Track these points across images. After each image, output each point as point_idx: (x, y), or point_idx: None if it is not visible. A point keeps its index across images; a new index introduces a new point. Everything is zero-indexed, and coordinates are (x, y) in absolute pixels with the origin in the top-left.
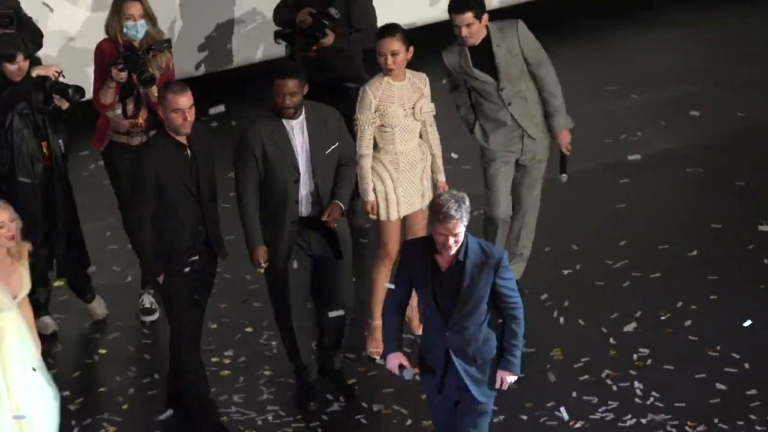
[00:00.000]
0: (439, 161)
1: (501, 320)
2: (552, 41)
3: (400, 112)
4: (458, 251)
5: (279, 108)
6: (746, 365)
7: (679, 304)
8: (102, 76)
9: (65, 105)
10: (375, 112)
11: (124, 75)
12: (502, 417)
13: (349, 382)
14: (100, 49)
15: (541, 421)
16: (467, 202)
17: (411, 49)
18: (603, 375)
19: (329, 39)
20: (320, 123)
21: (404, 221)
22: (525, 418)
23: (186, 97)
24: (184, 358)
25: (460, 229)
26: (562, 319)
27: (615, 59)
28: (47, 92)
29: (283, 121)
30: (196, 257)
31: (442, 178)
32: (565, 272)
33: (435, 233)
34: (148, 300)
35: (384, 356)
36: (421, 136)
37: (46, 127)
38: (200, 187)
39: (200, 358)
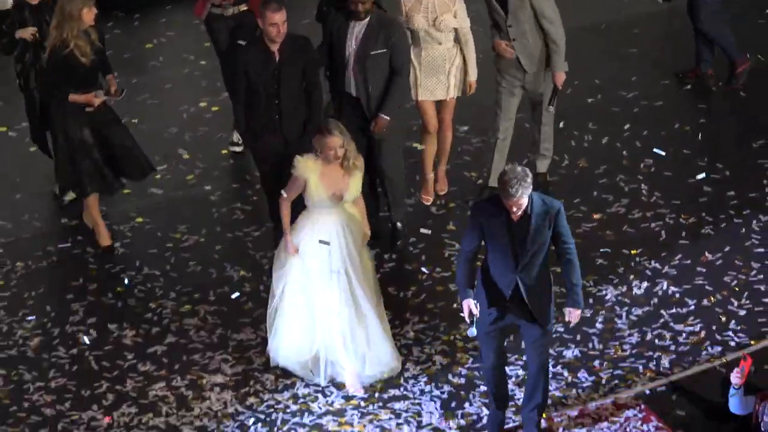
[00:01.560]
0: (471, 65)
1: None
2: None
3: (422, 22)
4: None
5: (351, 11)
6: (727, 173)
7: (676, 125)
8: None
9: None
10: (405, 17)
11: None
12: None
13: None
14: None
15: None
16: (529, 179)
17: None
18: (617, 179)
19: None
20: (379, 30)
21: (437, 106)
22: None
23: (280, 14)
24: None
25: (523, 200)
26: (588, 137)
27: None
28: None
29: (352, 21)
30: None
31: (470, 78)
32: (589, 100)
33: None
34: (236, 136)
35: (460, 301)
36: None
37: None
38: (280, 88)
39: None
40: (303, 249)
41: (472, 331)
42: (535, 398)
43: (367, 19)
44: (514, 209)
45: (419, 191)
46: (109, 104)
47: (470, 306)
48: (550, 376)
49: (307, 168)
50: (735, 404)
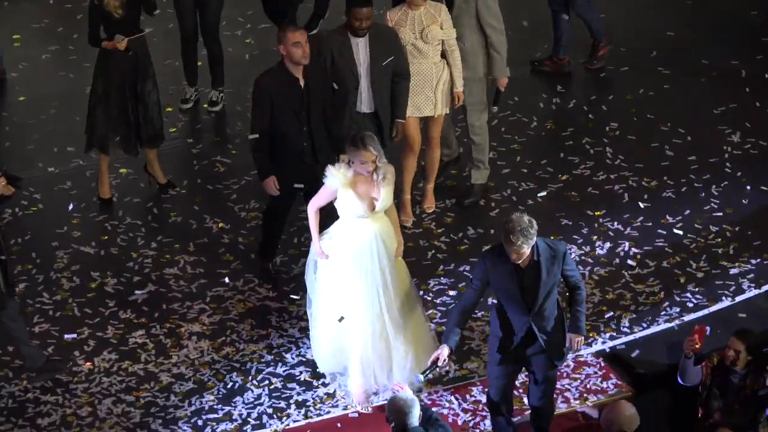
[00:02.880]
0: (457, 75)
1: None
2: None
3: (409, 35)
4: (532, 253)
5: (354, 29)
6: (689, 138)
7: (641, 90)
8: None
9: None
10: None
11: None
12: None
13: None
14: None
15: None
16: (533, 230)
17: None
18: (583, 141)
19: None
20: (381, 40)
21: (425, 123)
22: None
23: (301, 33)
24: (267, 226)
25: (524, 250)
26: (556, 99)
27: None
28: None
29: (351, 37)
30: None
31: (456, 89)
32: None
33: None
34: (188, 93)
35: (441, 342)
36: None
37: None
38: (310, 113)
39: (280, 232)
40: (335, 257)
41: (419, 378)
42: (540, 422)
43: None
44: (514, 257)
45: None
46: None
47: (441, 355)
48: None
49: (340, 179)
50: (684, 374)
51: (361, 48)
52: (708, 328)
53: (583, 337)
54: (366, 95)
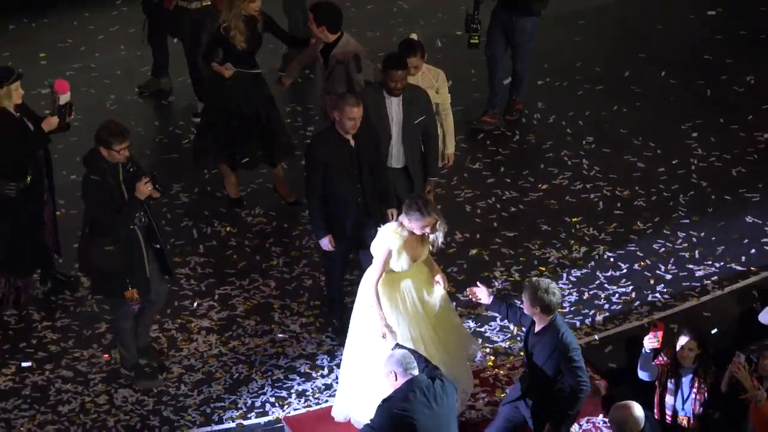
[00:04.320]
0: (449, 139)
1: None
2: None
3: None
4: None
5: (390, 89)
6: (658, 151)
7: (615, 107)
8: None
9: None
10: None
11: None
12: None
13: None
14: None
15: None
16: (551, 291)
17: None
18: (562, 154)
19: None
20: (414, 101)
21: None
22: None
23: (359, 109)
24: (332, 283)
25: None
26: (536, 115)
27: None
28: None
29: (386, 96)
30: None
31: (448, 151)
32: (539, 83)
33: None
34: (200, 106)
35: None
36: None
37: None
38: (361, 170)
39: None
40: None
41: None
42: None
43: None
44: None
45: None
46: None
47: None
48: (497, 330)
49: (394, 238)
50: (643, 368)
51: (394, 106)
52: (664, 325)
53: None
54: (396, 151)
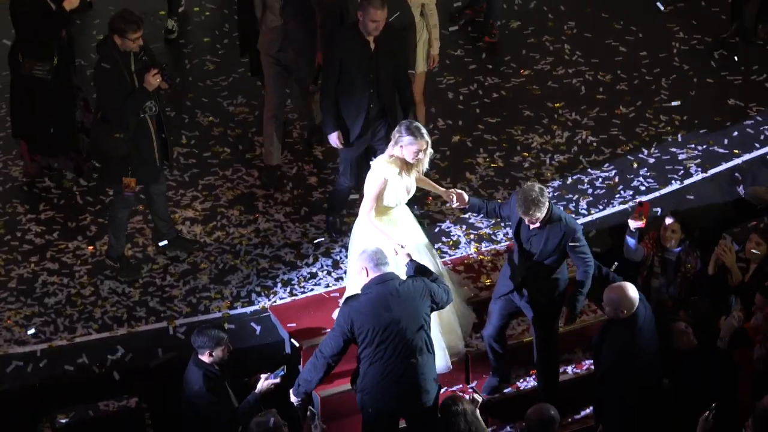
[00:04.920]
0: (434, 38)
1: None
2: None
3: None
4: (546, 217)
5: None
6: (640, 35)
7: None
8: None
9: None
10: None
11: None
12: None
13: None
14: None
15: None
16: (543, 197)
17: None
18: (543, 39)
19: None
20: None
21: None
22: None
23: (382, 12)
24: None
25: (537, 216)
26: (518, 0)
27: None
28: None
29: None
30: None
31: (433, 52)
32: None
33: None
34: (170, 23)
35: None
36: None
37: None
38: (378, 77)
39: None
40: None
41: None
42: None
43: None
44: (527, 221)
45: None
46: None
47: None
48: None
49: (389, 167)
50: (628, 250)
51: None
52: (649, 205)
53: (571, 313)
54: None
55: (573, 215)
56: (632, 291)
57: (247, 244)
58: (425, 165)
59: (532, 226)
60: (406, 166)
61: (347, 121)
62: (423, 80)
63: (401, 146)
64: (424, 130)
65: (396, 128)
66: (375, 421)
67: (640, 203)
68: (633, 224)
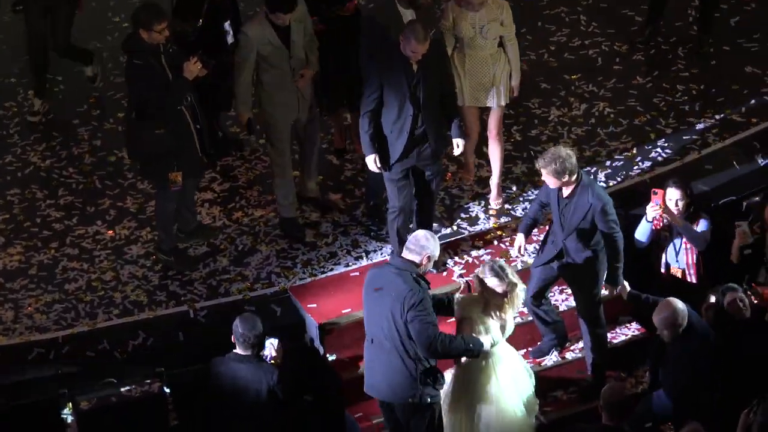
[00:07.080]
0: (515, 69)
1: None
2: None
3: (469, 30)
4: (576, 188)
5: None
6: None
7: None
8: None
9: None
10: (452, 24)
11: None
12: None
13: None
14: None
15: None
16: (571, 158)
17: None
18: (558, 10)
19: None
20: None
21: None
22: None
23: (425, 46)
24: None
25: (563, 180)
26: None
27: None
28: None
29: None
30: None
31: (513, 83)
32: None
33: None
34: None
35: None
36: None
37: None
38: (422, 93)
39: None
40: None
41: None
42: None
43: None
44: (553, 184)
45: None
46: None
47: (521, 242)
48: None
49: (473, 307)
50: (641, 233)
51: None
52: (664, 192)
53: (620, 287)
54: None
55: None
56: (676, 302)
57: (266, 225)
58: (518, 304)
59: (564, 194)
60: (496, 305)
61: (389, 143)
62: (501, 115)
63: (489, 282)
64: (509, 270)
65: (480, 267)
66: None
67: (655, 192)
68: (651, 213)
